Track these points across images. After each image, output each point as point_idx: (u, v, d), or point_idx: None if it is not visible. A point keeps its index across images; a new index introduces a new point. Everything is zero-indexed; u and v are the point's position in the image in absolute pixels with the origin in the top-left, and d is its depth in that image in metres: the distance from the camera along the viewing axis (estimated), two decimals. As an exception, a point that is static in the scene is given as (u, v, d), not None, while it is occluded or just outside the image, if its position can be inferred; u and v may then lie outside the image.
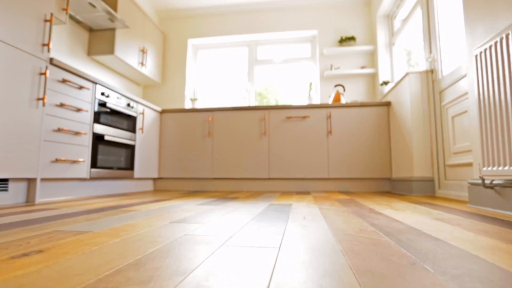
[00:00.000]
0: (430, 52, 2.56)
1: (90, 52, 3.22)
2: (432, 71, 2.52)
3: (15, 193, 1.84)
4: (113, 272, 0.54)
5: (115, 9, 3.24)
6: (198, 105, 4.16)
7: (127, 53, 3.39)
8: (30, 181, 1.93)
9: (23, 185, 1.90)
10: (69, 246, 0.75)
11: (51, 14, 2.01)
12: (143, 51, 3.72)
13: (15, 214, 1.34)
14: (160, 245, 0.76)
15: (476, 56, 1.53)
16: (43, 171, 1.97)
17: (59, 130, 2.09)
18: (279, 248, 0.73)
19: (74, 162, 2.23)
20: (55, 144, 2.06)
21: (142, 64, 3.69)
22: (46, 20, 1.98)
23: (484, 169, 1.44)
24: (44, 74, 1.93)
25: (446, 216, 1.28)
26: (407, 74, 2.63)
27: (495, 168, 1.36)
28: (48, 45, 1.97)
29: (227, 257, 0.65)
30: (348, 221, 1.15)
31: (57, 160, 2.06)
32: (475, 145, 1.66)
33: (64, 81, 2.12)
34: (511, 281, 0.50)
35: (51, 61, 2.01)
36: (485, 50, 1.45)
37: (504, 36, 1.31)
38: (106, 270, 0.55)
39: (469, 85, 1.70)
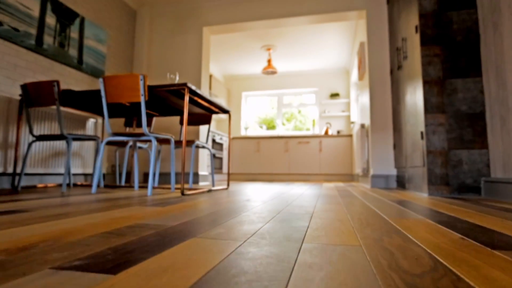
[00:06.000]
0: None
1: (198, 109, 6.42)
2: (364, 125, 5.45)
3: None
4: (242, 199, 3.64)
5: (211, 85, 6.40)
6: (249, 131, 7.26)
7: (215, 108, 6.56)
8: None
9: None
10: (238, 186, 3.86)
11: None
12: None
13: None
14: (258, 187, 3.85)
15: (360, 125, 4.49)
16: (201, 169, 5.14)
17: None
18: (289, 186, 3.79)
19: (208, 166, 5.40)
20: (201, 160, 5.23)
21: (220, 111, 6.86)
22: (201, 112, 5.15)
23: (357, 170, 4.41)
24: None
25: (341, 185, 4.27)
26: (354, 124, 5.57)
27: (358, 170, 4.33)
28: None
29: (279, 190, 3.73)
30: (305, 186, 4.19)
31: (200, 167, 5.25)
32: (357, 160, 4.62)
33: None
34: (319, 190, 3.53)
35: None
36: (361, 124, 4.41)
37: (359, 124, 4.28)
38: (242, 199, 3.65)
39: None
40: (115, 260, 0.61)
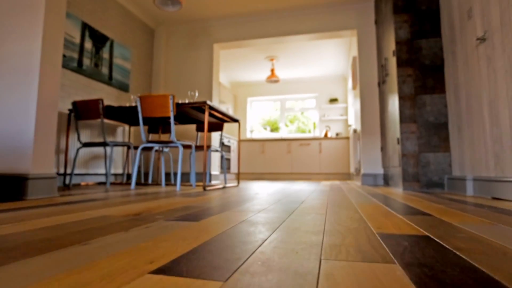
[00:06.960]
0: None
1: (207, 114, 6.99)
2: (356, 130, 5.97)
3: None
4: (248, 196, 4.19)
5: (219, 92, 6.95)
6: (254, 134, 7.81)
7: (223, 113, 7.13)
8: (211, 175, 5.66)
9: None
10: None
11: (213, 116, 5.74)
12: (227, 110, 7.44)
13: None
14: (264, 185, 4.40)
15: (354, 130, 5.01)
16: (213, 170, 5.70)
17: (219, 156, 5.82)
18: (291, 184, 4.33)
19: (218, 167, 5.96)
20: (213, 162, 5.79)
21: (227, 116, 7.42)
22: (211, 118, 5.70)
23: (352, 170, 4.94)
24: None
25: (337, 182, 4.81)
26: (351, 127, 6.09)
27: (352, 169, 4.86)
28: (212, 127, 5.69)
29: (281, 186, 4.27)
30: (305, 184, 4.73)
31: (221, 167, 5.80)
32: (352, 162, 5.14)
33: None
34: (314, 187, 4.07)
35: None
36: (353, 129, 4.93)
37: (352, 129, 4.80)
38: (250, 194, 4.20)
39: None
40: (192, 218, 1.16)
